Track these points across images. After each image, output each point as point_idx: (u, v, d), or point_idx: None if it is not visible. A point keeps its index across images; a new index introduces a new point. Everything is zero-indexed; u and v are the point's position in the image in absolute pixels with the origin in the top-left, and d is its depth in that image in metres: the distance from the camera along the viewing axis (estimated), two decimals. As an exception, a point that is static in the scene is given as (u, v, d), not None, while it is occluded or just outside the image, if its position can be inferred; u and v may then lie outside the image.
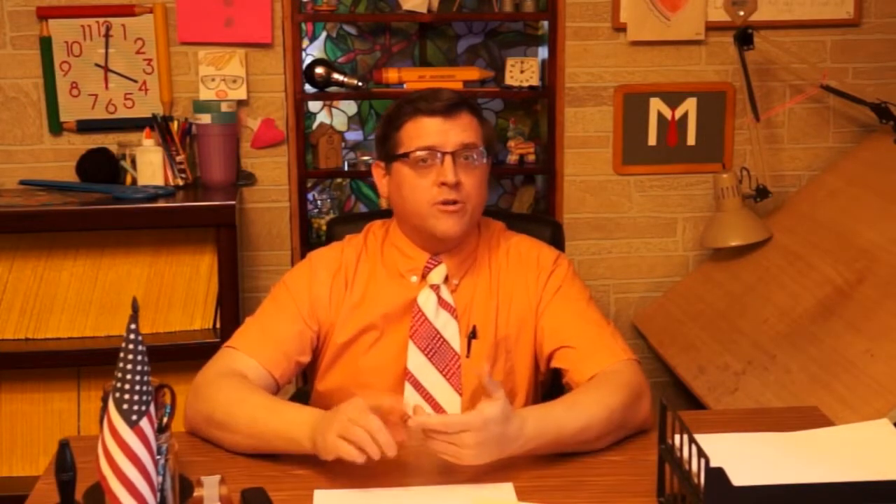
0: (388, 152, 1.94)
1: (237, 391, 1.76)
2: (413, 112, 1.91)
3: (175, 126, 2.95)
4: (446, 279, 1.95)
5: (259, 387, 1.80)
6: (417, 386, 1.90)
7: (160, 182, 2.91)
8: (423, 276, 1.95)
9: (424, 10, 3.10)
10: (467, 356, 1.92)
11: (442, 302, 1.93)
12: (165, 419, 1.39)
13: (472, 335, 1.93)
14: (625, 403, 1.74)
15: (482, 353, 1.92)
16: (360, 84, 3.15)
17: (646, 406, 1.79)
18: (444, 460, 1.58)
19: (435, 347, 1.91)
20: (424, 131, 1.89)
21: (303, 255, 2.50)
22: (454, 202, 1.87)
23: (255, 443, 1.69)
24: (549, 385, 2.04)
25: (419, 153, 1.88)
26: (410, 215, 1.92)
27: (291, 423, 1.66)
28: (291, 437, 1.65)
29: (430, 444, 1.58)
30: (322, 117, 3.41)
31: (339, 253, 1.99)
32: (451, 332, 1.92)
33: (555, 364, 1.91)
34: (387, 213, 2.08)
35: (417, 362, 1.91)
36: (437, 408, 1.90)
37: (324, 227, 3.10)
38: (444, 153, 1.87)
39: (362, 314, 1.93)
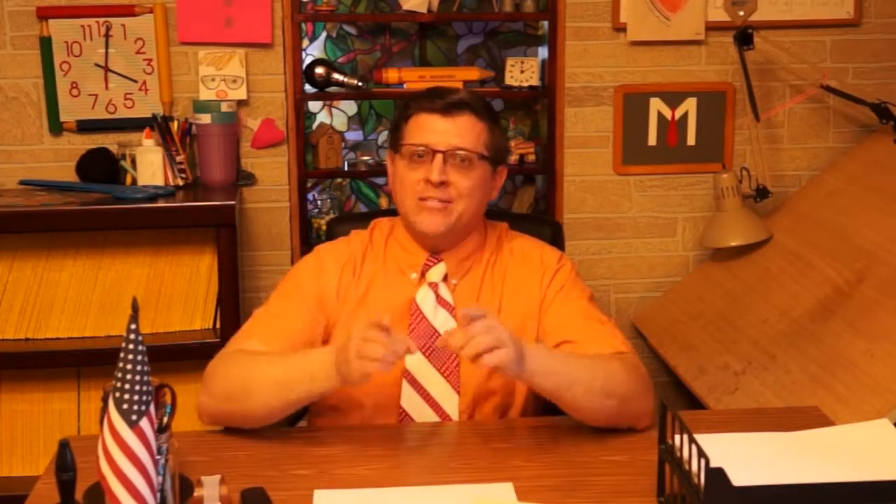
0: (394, 142, 1.98)
1: (250, 357, 1.81)
2: (418, 107, 1.95)
3: (175, 126, 2.94)
4: (445, 278, 1.96)
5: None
6: (415, 384, 1.90)
7: (160, 182, 2.91)
8: (423, 274, 1.96)
9: (424, 10, 3.10)
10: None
11: (440, 300, 1.94)
12: (165, 419, 1.39)
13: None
14: (628, 379, 1.77)
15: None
16: (360, 84, 3.14)
17: (649, 399, 1.80)
18: (442, 460, 1.57)
19: (433, 346, 1.91)
20: (423, 127, 1.93)
21: (303, 255, 2.50)
22: (437, 199, 1.89)
23: (278, 396, 1.74)
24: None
25: (413, 148, 1.92)
26: (401, 208, 1.96)
27: (311, 363, 1.73)
28: (315, 377, 1.71)
29: (470, 345, 1.62)
30: (322, 117, 3.41)
31: (346, 245, 2.02)
32: None
33: (557, 359, 1.91)
34: (387, 214, 2.09)
35: (415, 361, 1.90)
36: (435, 406, 1.90)
37: (324, 227, 3.10)
38: (435, 151, 1.89)
39: (364, 311, 1.93)
